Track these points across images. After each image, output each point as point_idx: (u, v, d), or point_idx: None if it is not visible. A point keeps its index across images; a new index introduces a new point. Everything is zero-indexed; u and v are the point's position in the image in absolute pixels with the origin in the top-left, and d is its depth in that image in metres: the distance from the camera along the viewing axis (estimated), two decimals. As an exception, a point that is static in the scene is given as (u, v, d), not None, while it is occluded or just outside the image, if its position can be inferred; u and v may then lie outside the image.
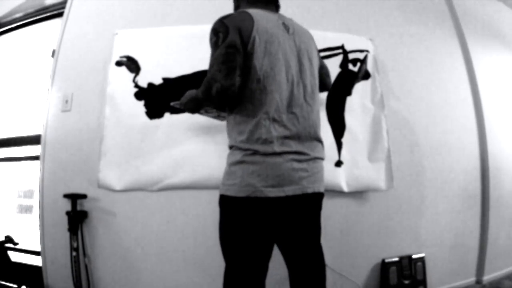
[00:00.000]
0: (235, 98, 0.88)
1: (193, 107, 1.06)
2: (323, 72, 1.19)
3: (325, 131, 1.62)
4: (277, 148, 0.87)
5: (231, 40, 0.86)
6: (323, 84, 1.18)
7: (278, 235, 0.96)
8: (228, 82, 0.84)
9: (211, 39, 0.92)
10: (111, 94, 1.61)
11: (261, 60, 0.89)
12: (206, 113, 1.21)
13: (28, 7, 2.03)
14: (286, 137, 0.89)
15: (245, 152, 0.87)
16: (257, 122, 0.87)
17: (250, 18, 0.90)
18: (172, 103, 1.15)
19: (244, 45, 0.88)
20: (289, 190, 0.87)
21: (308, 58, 1.02)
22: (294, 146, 0.90)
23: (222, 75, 0.84)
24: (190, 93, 1.04)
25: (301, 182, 0.90)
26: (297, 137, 0.91)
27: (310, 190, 0.92)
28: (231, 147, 0.94)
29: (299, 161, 0.90)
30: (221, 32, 0.88)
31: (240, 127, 0.90)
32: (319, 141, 1.00)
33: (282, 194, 0.86)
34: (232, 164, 0.90)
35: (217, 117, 1.25)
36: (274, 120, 0.88)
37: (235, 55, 0.86)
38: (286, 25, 1.00)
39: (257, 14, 0.93)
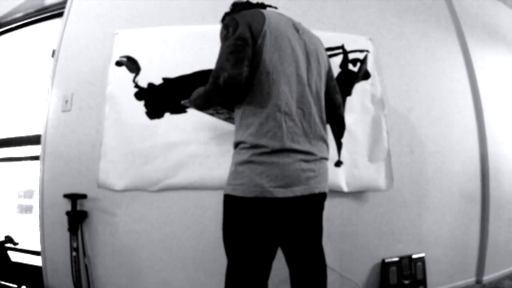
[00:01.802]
0: (242, 88, 0.87)
1: (202, 104, 1.04)
2: (333, 85, 1.12)
3: (325, 131, 1.63)
4: (287, 143, 0.86)
5: (241, 33, 0.87)
6: (332, 101, 1.11)
7: (283, 235, 0.96)
8: (236, 71, 0.84)
9: (221, 33, 0.93)
10: (111, 94, 1.61)
11: (271, 54, 0.89)
12: (217, 114, 1.20)
13: (28, 7, 2.03)
14: (295, 133, 0.89)
15: (253, 151, 0.86)
16: (267, 115, 0.87)
17: (262, 15, 0.92)
18: (182, 102, 1.15)
19: (254, 39, 0.88)
20: (297, 191, 0.87)
21: (317, 59, 1.02)
22: (302, 144, 0.90)
23: (230, 64, 0.84)
24: (199, 90, 1.03)
25: (309, 182, 0.90)
26: (304, 134, 0.91)
27: (317, 190, 0.92)
28: (237, 145, 0.93)
29: (307, 161, 0.90)
30: (231, 26, 0.90)
31: (249, 120, 0.89)
32: (325, 141, 1.00)
33: (290, 194, 0.86)
34: (239, 163, 0.89)
35: (228, 119, 1.24)
36: (286, 113, 0.88)
37: (243, 47, 0.86)
38: (296, 26, 1.01)
39: (269, 12, 0.95)
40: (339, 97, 1.15)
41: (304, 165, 0.89)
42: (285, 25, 0.96)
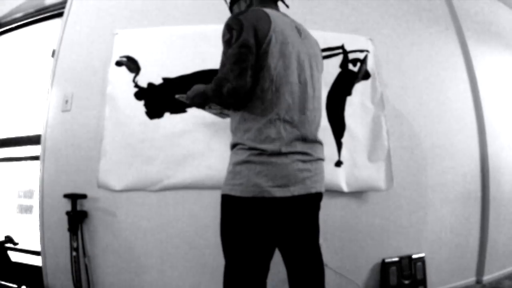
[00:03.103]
0: (245, 98, 0.87)
1: (200, 103, 1.05)
2: None
3: (325, 131, 1.63)
4: (284, 148, 0.86)
5: (244, 39, 0.84)
6: None
7: (281, 235, 0.96)
8: (240, 83, 0.83)
9: (224, 35, 0.89)
10: (111, 94, 1.61)
11: (276, 60, 0.88)
12: (210, 109, 1.20)
13: (28, 7, 2.03)
14: (293, 139, 0.89)
15: (251, 151, 0.86)
16: (267, 122, 0.87)
17: (267, 17, 0.89)
18: (177, 96, 1.14)
19: (259, 44, 0.86)
20: (295, 190, 0.87)
21: (316, 64, 1.03)
22: (299, 146, 0.90)
23: (234, 75, 0.83)
24: (198, 88, 1.02)
25: (305, 182, 0.90)
26: (303, 139, 0.92)
27: (313, 190, 0.93)
28: (234, 146, 0.93)
29: (304, 161, 0.90)
30: (235, 29, 0.86)
31: (248, 124, 0.89)
32: (320, 143, 1.01)
33: (288, 194, 0.86)
34: (237, 163, 0.89)
35: (220, 114, 1.24)
36: (286, 121, 0.88)
37: (247, 55, 0.84)
38: (299, 29, 1.00)
39: (274, 14, 0.92)
40: None
41: (301, 165, 0.89)
42: (289, 29, 0.94)
